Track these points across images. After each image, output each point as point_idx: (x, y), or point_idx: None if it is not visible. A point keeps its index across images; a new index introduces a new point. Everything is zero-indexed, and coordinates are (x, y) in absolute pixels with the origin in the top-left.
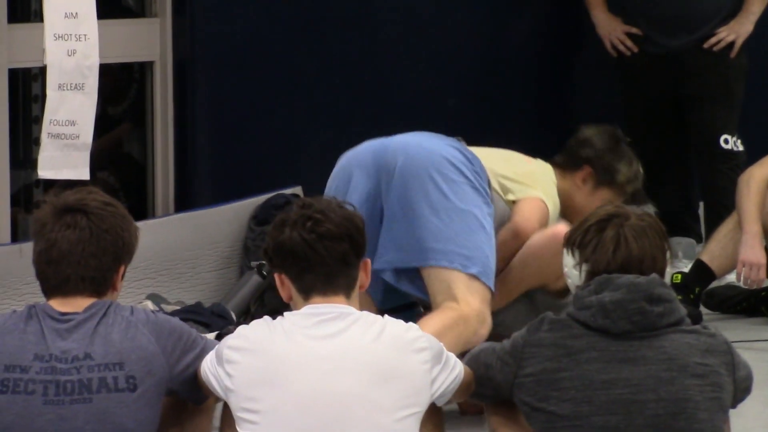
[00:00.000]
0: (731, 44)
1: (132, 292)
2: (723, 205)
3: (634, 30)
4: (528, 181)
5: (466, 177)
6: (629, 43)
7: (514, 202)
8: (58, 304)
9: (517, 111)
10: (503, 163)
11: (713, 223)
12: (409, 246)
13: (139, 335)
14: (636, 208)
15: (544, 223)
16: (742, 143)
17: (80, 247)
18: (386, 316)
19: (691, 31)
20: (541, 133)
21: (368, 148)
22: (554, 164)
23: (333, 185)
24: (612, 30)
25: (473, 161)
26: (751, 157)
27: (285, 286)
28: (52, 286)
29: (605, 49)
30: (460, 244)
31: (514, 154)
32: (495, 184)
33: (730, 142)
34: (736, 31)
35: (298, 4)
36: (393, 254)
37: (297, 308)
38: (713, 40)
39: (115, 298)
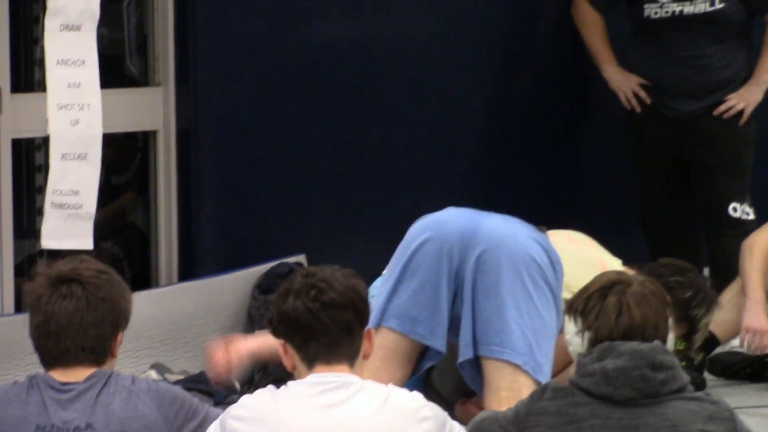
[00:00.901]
0: (741, 112)
1: (136, 361)
2: (729, 270)
3: (648, 83)
4: None
5: (550, 286)
6: (643, 94)
7: None
8: (59, 375)
9: (523, 175)
10: (574, 268)
11: (718, 289)
12: (486, 335)
13: (140, 404)
14: (638, 275)
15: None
16: (754, 211)
17: (78, 317)
18: (390, 384)
19: (700, 99)
20: (548, 197)
21: (455, 225)
22: None
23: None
24: (626, 82)
25: (556, 267)
26: (759, 222)
27: (288, 356)
28: (52, 358)
29: (614, 106)
30: (534, 348)
31: (588, 256)
32: (565, 294)
33: (739, 210)
34: (746, 99)
35: (300, 72)
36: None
37: (301, 377)
38: (723, 107)
39: (113, 365)
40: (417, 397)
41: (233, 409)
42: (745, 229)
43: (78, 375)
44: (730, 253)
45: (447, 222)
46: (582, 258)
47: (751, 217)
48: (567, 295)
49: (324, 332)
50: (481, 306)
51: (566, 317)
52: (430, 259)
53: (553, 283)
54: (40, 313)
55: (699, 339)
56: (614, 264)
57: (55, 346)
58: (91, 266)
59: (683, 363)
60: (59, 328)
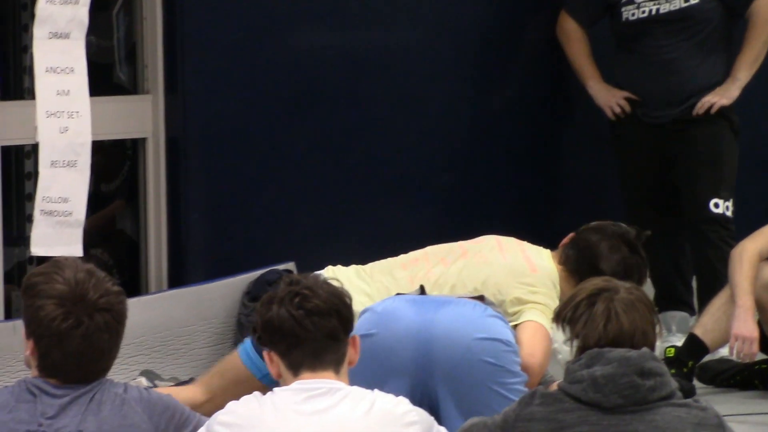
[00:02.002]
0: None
1: (126, 368)
2: (715, 278)
3: (633, 96)
4: (530, 297)
5: (514, 371)
6: (628, 108)
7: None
8: (54, 381)
9: (507, 185)
10: (505, 281)
11: (705, 296)
12: None
13: (132, 413)
14: (624, 282)
15: (548, 346)
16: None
17: (106, 347)
18: (376, 390)
19: (680, 105)
20: (531, 207)
21: (405, 342)
22: (564, 265)
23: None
24: (611, 97)
25: (510, 340)
26: (745, 224)
27: (274, 363)
28: (54, 372)
29: (597, 119)
30: None
31: (516, 263)
32: (500, 310)
33: (721, 206)
34: (720, 95)
35: (289, 82)
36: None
37: (286, 384)
38: (698, 105)
39: None
40: (403, 402)
41: (219, 415)
42: (727, 232)
43: (73, 383)
44: (714, 262)
45: (395, 323)
46: (510, 267)
47: (729, 214)
48: (500, 309)
49: (309, 339)
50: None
51: (554, 326)
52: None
53: (514, 359)
54: (56, 343)
55: None
56: (543, 257)
57: (67, 370)
58: (110, 287)
59: (672, 371)
60: (84, 356)
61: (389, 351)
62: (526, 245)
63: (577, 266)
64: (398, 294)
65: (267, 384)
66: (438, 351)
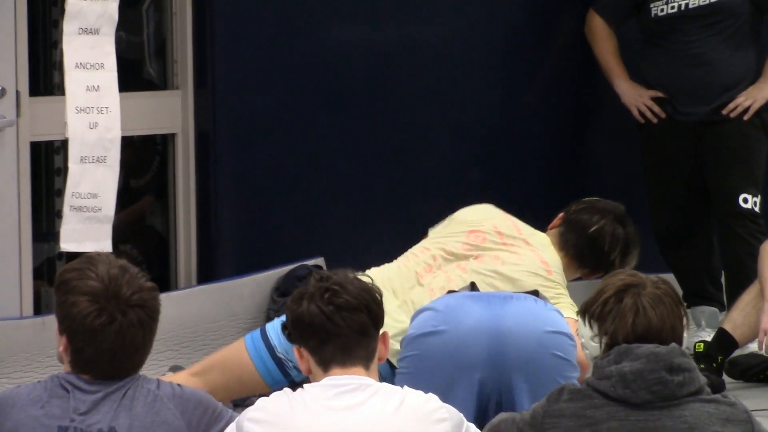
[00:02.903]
0: (747, 109)
1: (155, 363)
2: (743, 274)
3: (660, 94)
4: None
5: (577, 368)
6: (657, 108)
7: None
8: (86, 376)
9: (537, 181)
10: (525, 278)
11: (734, 291)
12: None
13: (164, 409)
14: (650, 275)
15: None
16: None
17: (141, 343)
18: (405, 387)
19: (709, 102)
20: (561, 203)
21: (479, 336)
22: (564, 251)
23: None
24: (638, 97)
25: (569, 335)
26: None
27: (304, 359)
28: (87, 368)
29: (625, 117)
30: None
31: (533, 266)
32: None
33: (749, 202)
34: (754, 96)
35: (319, 76)
36: None
37: (316, 380)
38: (731, 105)
39: None
40: (432, 398)
41: (249, 412)
42: (756, 227)
43: (106, 379)
44: (744, 257)
45: (465, 318)
46: (529, 267)
47: (758, 209)
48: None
49: (339, 335)
50: None
51: (581, 321)
52: (444, 352)
53: (575, 354)
54: (98, 332)
55: None
56: (546, 248)
57: (101, 366)
58: (144, 283)
59: (701, 366)
60: (112, 354)
61: (462, 345)
62: (525, 233)
63: (579, 250)
64: (450, 291)
65: (271, 386)
66: (511, 344)
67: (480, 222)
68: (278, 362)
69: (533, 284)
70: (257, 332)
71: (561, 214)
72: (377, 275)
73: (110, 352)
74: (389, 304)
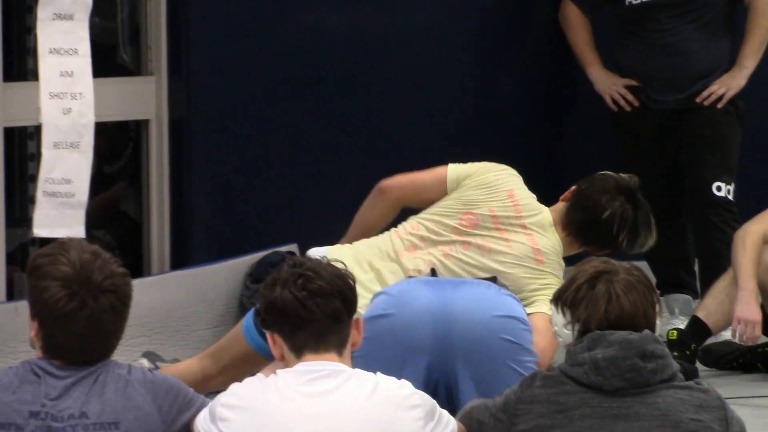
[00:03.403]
0: (721, 97)
1: (128, 349)
2: (717, 261)
3: (633, 83)
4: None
5: (532, 353)
6: (630, 96)
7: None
8: (57, 362)
9: (514, 167)
10: (514, 273)
11: (708, 279)
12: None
13: (135, 394)
14: (623, 262)
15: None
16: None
17: (112, 329)
18: (378, 373)
19: (684, 90)
20: (538, 190)
21: (425, 320)
22: (568, 230)
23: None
24: (612, 85)
25: (524, 319)
26: (748, 209)
27: (277, 345)
28: (58, 353)
29: (600, 105)
30: None
31: (523, 253)
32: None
33: (723, 190)
34: (727, 85)
35: (294, 63)
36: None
37: (289, 367)
38: (704, 93)
39: None
40: (406, 385)
41: (222, 397)
42: (730, 215)
43: (77, 365)
44: (717, 245)
45: (413, 303)
46: (516, 257)
47: (731, 198)
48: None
49: (312, 321)
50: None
51: (554, 309)
52: (392, 336)
53: (529, 338)
54: (69, 317)
55: None
56: (546, 230)
57: (72, 351)
58: (115, 268)
59: (675, 353)
60: (88, 338)
61: (408, 329)
62: (525, 213)
63: (583, 230)
64: (410, 277)
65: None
66: (457, 329)
67: (478, 202)
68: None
69: (518, 274)
70: (251, 314)
71: (573, 188)
72: (362, 246)
73: (81, 337)
74: (364, 274)
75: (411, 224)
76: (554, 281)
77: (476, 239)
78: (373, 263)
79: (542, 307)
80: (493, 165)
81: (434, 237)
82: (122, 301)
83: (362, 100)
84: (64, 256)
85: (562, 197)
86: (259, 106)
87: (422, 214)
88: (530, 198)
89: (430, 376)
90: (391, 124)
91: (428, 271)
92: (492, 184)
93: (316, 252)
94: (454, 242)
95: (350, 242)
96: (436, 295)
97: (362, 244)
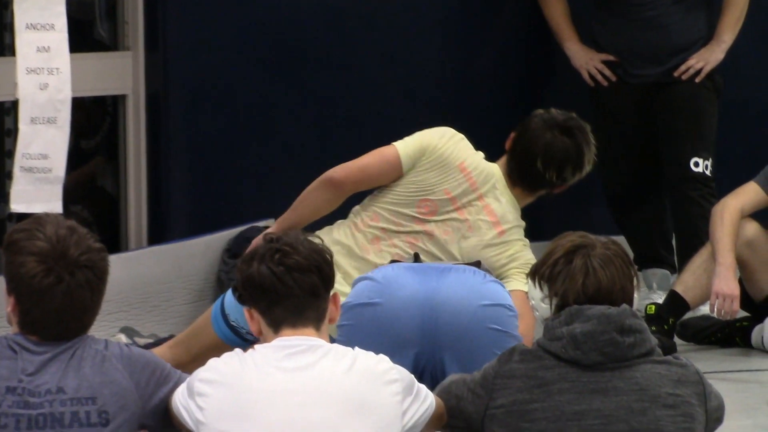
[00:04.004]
0: (699, 71)
1: (105, 325)
2: (695, 236)
3: (611, 58)
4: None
5: (518, 338)
6: (608, 72)
7: None
8: (34, 337)
9: (488, 144)
10: (480, 255)
11: (686, 254)
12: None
13: (112, 370)
14: (600, 236)
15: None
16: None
17: (87, 304)
18: (357, 348)
19: (661, 63)
20: None
21: (412, 311)
22: (515, 185)
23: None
24: (589, 60)
25: (509, 304)
26: (726, 184)
27: (254, 320)
28: (35, 329)
29: (576, 79)
30: None
31: (483, 231)
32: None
33: (701, 165)
34: (706, 59)
35: (271, 39)
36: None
37: (267, 342)
38: (682, 67)
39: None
40: (384, 359)
41: (200, 372)
42: (708, 190)
43: (54, 340)
44: (695, 219)
45: (400, 292)
46: (481, 241)
47: (709, 173)
48: None
49: (289, 296)
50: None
51: (531, 283)
52: (379, 326)
53: (516, 324)
54: (33, 291)
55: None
56: (498, 191)
57: (48, 325)
58: (92, 243)
59: (653, 328)
60: (59, 314)
61: (395, 320)
62: (479, 182)
63: (526, 177)
64: (393, 261)
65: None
66: (444, 319)
67: (433, 186)
68: (234, 330)
69: (485, 255)
70: (218, 303)
71: (512, 134)
72: (326, 238)
73: (58, 312)
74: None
75: (368, 215)
76: (518, 246)
77: (439, 228)
78: (337, 261)
79: (516, 284)
80: (437, 135)
81: (395, 228)
82: (98, 276)
83: (339, 75)
84: (40, 231)
85: (506, 145)
86: (235, 82)
87: (377, 203)
88: (479, 162)
89: (417, 366)
90: (368, 98)
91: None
92: (443, 162)
93: None
94: (417, 233)
95: (285, 226)
96: (422, 284)
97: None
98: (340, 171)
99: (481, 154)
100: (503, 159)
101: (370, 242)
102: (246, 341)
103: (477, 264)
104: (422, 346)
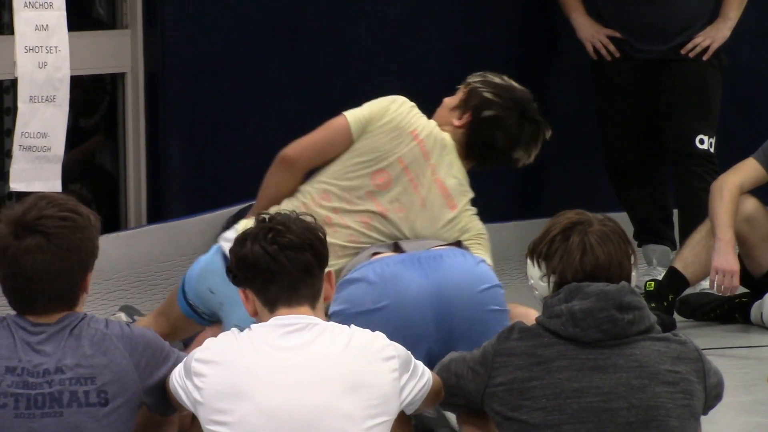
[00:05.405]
0: (706, 49)
1: (105, 303)
2: (698, 210)
3: (616, 34)
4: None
5: (507, 310)
6: (612, 47)
7: None
8: (31, 317)
9: None
10: (436, 232)
11: (688, 229)
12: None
13: (112, 349)
14: (597, 214)
15: None
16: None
17: (45, 270)
18: (353, 326)
19: (667, 40)
20: None
21: (424, 309)
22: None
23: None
24: (594, 33)
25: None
26: (727, 161)
27: (249, 301)
28: (22, 306)
29: (581, 53)
30: None
31: (435, 208)
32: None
33: (706, 143)
34: (712, 36)
35: (269, 15)
36: None
37: (263, 321)
38: (689, 45)
39: (85, 300)
40: (380, 336)
41: (197, 352)
42: (712, 166)
43: (49, 318)
44: (698, 194)
45: (406, 291)
46: (437, 222)
47: (713, 150)
48: None
49: (283, 274)
50: None
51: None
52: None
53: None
54: (5, 265)
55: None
56: (450, 164)
57: (24, 298)
58: (54, 212)
59: (652, 304)
60: (27, 282)
61: (408, 321)
62: (432, 151)
63: (484, 159)
64: (375, 254)
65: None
66: (455, 311)
67: (386, 153)
68: (192, 308)
69: (442, 235)
70: (183, 278)
71: (467, 114)
72: None
73: (26, 278)
74: None
75: (318, 193)
76: (467, 217)
77: (392, 205)
78: None
79: (482, 254)
80: (387, 100)
81: (348, 207)
82: (53, 242)
83: (338, 51)
84: (27, 202)
85: (459, 123)
86: (234, 58)
87: (327, 178)
88: (432, 129)
89: (430, 360)
90: (368, 73)
91: (362, 241)
92: (395, 126)
93: (224, 239)
94: (372, 213)
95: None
96: (424, 278)
97: None
98: (291, 148)
99: (433, 123)
100: (457, 133)
101: (323, 223)
102: (204, 320)
103: (458, 244)
104: (435, 341)
